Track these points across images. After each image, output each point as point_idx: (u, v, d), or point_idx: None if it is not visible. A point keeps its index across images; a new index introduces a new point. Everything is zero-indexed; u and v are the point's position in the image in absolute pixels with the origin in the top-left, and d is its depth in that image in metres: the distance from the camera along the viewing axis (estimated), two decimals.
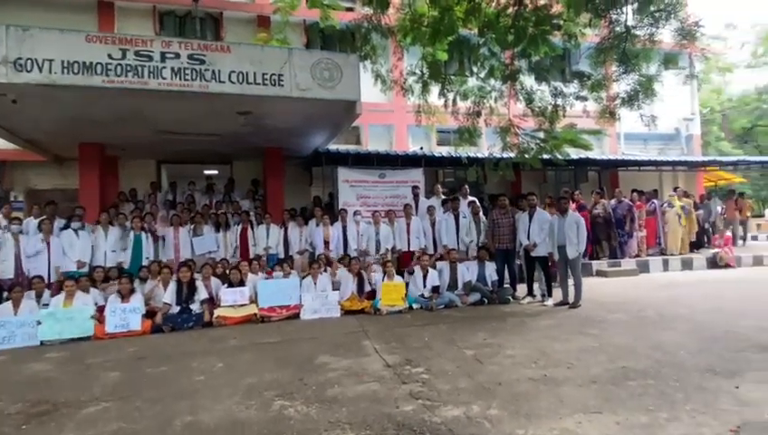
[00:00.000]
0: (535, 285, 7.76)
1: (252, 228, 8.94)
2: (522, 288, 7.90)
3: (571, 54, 10.15)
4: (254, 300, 6.65)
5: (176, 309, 6.45)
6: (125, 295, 6.23)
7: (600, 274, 10.07)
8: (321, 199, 10.95)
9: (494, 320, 6.22)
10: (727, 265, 10.56)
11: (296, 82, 7.21)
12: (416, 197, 9.37)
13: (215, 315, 6.34)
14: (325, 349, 4.97)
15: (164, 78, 6.63)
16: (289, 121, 8.41)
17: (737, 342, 4.87)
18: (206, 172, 12.40)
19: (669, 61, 8.03)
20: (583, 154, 10.94)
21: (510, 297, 7.52)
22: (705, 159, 14.71)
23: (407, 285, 7.27)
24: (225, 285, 6.77)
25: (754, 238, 15.76)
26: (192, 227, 8.73)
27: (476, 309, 7.07)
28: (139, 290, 6.58)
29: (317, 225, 8.79)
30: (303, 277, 7.18)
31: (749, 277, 9.38)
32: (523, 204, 8.00)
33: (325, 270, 7.46)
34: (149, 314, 6.35)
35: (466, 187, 9.63)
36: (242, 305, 6.51)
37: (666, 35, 7.81)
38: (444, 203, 9.16)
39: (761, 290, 7.24)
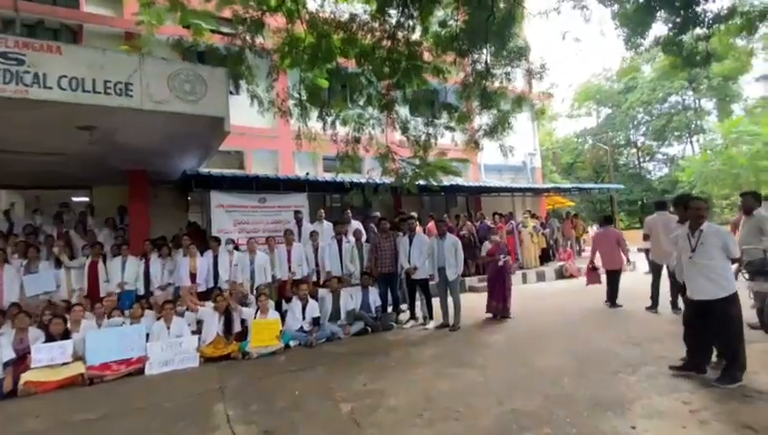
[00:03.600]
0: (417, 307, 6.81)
1: (104, 262, 6.77)
2: (405, 311, 6.90)
3: (439, 89, 9.83)
4: (81, 356, 4.63)
5: None
6: None
7: (473, 289, 9.57)
8: (198, 226, 9.00)
9: (378, 355, 5.03)
10: (571, 276, 10.84)
11: (149, 93, 5.45)
12: (299, 222, 7.97)
13: (21, 381, 4.22)
14: (158, 424, 3.31)
15: None
16: (148, 139, 6.52)
17: (609, 360, 4.30)
18: (75, 199, 9.64)
19: (519, 102, 7.98)
20: (453, 181, 10.60)
21: (393, 323, 6.45)
22: (549, 186, 15.64)
23: (284, 318, 5.81)
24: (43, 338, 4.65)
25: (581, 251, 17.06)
26: (25, 262, 6.31)
27: (360, 340, 5.85)
28: None
29: (184, 255, 6.93)
30: (158, 319, 5.30)
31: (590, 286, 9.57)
32: (403, 227, 7.09)
33: (188, 309, 5.68)
34: None
35: (349, 212, 8.51)
36: (64, 365, 4.46)
37: (518, 76, 7.80)
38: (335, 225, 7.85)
39: (604, 298, 7.20)
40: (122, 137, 6.40)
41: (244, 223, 7.93)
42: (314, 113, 7.79)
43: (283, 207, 8.32)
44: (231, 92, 10.34)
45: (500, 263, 6.60)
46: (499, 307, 6.50)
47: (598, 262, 7.38)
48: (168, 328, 5.13)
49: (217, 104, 5.90)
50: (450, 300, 6.28)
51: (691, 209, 3.87)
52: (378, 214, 9.39)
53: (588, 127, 31.71)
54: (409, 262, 6.49)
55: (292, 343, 5.54)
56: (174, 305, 5.29)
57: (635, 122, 31.34)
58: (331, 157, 10.92)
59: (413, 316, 6.66)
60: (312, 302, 6.00)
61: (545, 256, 11.74)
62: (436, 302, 6.50)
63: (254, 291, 6.42)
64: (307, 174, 10.68)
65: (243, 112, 10.43)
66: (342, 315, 6.22)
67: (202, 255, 7.04)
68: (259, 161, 11.05)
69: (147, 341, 4.96)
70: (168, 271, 6.98)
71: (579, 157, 29.57)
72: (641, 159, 32.58)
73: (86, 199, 9.69)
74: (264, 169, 10.96)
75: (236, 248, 7.27)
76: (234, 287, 6.63)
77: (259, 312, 5.54)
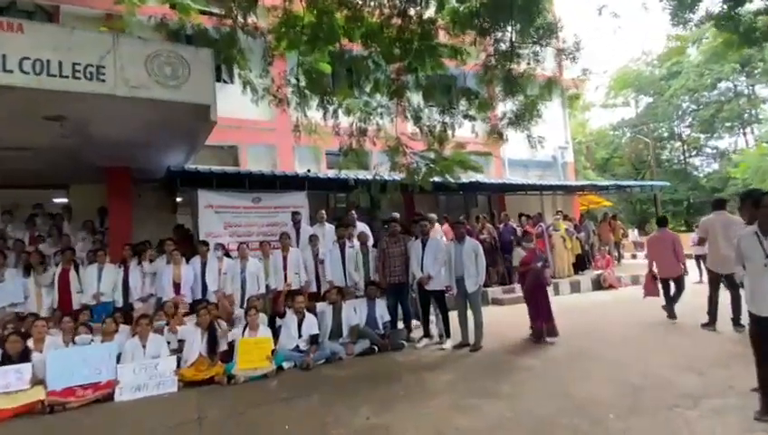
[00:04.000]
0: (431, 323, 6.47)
1: (77, 270, 6.60)
2: (417, 329, 6.57)
3: (457, 74, 9.52)
4: (42, 379, 4.40)
5: None
6: None
7: (496, 302, 9.19)
8: (187, 230, 8.79)
9: (384, 380, 4.70)
10: (611, 286, 10.35)
11: (124, 78, 5.24)
12: (296, 224, 7.69)
13: None
14: None
15: None
16: (125, 131, 6.32)
17: (663, 390, 3.90)
18: (56, 200, 9.56)
19: (549, 86, 7.63)
20: (473, 177, 10.25)
21: (404, 341, 6.11)
22: (584, 183, 15.09)
23: (277, 335, 5.53)
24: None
25: (621, 257, 16.48)
26: None
27: (364, 361, 5.53)
28: None
29: (167, 262, 6.72)
30: (133, 336, 5.06)
31: (634, 298, 9.09)
32: (415, 230, 6.75)
33: (167, 324, 5.44)
34: None
35: (353, 212, 8.21)
36: (20, 391, 4.24)
37: (548, 57, 7.43)
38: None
39: (654, 315, 6.75)
40: (97, 128, 6.21)
41: (235, 226, 7.69)
42: (315, 102, 7.57)
43: (279, 208, 8.06)
44: (224, 81, 10.41)
45: (543, 277, 6.17)
46: (546, 328, 5.94)
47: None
48: (144, 347, 4.88)
49: (202, 90, 5.67)
50: (470, 315, 5.93)
51: (764, 208, 3.47)
52: (396, 215, 9.05)
53: (626, 118, 30.89)
54: (422, 270, 6.15)
55: (285, 365, 5.25)
56: (150, 320, 5.04)
57: (679, 112, 30.41)
58: (334, 152, 10.66)
59: (427, 334, 6.31)
60: (309, 317, 5.71)
61: (580, 264, 11.28)
62: (453, 316, 6.15)
63: (245, 303, 6.15)
64: (308, 171, 10.43)
65: (236, 103, 10.28)
66: (345, 332, 5.91)
67: (188, 262, 6.84)
68: (255, 157, 10.84)
69: (119, 361, 4.72)
70: (149, 280, 6.78)
71: (615, 151, 28.82)
72: (687, 154, 31.64)
73: (64, 200, 9.58)
74: (261, 165, 10.74)
75: (227, 255, 7.05)
76: (225, 299, 6.42)
77: (248, 329, 5.26)
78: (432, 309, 6.37)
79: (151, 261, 6.88)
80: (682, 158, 31.80)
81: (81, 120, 5.84)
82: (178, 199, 9.72)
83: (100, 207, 8.92)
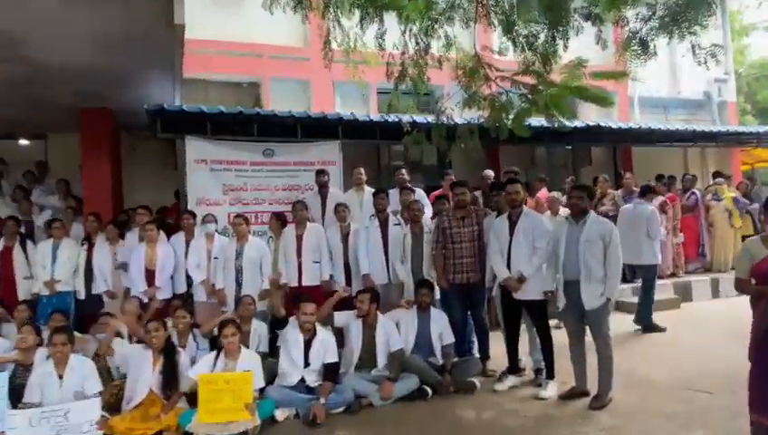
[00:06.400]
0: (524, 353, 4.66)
1: (24, 247, 5.60)
2: (498, 355, 4.79)
3: None
4: None
5: None
6: None
7: (621, 307, 7.09)
8: None
9: None
10: None
11: None
12: (323, 188, 6.12)
13: None
14: None
15: None
16: (75, 54, 5.13)
17: None
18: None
19: None
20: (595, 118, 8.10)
21: (475, 381, 4.39)
22: (757, 128, 12.02)
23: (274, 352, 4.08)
24: None
25: None
26: None
27: (410, 412, 3.93)
28: None
29: (140, 240, 5.50)
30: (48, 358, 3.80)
31: None
32: (499, 200, 4.87)
33: (120, 335, 4.18)
34: None
35: (403, 171, 6.48)
36: None
37: None
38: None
39: None
40: (37, 50, 5.06)
41: (238, 189, 6.28)
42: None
43: (301, 165, 6.56)
44: None
45: None
46: None
47: None
48: (61, 377, 3.61)
49: None
50: (591, 342, 4.05)
51: None
52: (490, 173, 7.24)
53: None
54: (510, 267, 4.31)
55: (279, 415, 3.77)
56: (70, 337, 3.73)
57: None
58: (390, 89, 8.95)
59: (514, 368, 4.50)
60: (323, 335, 4.16)
61: None
62: (560, 343, 4.32)
63: (237, 306, 4.76)
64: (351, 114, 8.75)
65: (256, 23, 8.86)
66: (380, 360, 4.30)
67: (169, 239, 5.61)
68: (283, 95, 9.33)
69: (18, 400, 3.51)
70: (121, 264, 5.65)
71: None
72: None
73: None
74: (292, 107, 9.25)
75: (222, 233, 5.76)
76: (218, 294, 5.14)
77: (221, 356, 3.82)
78: (525, 328, 4.55)
79: (122, 239, 5.74)
80: None
81: (13, 40, 4.67)
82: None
83: (39, 161, 8.03)
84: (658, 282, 7.68)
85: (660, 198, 7.98)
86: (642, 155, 11.10)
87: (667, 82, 12.91)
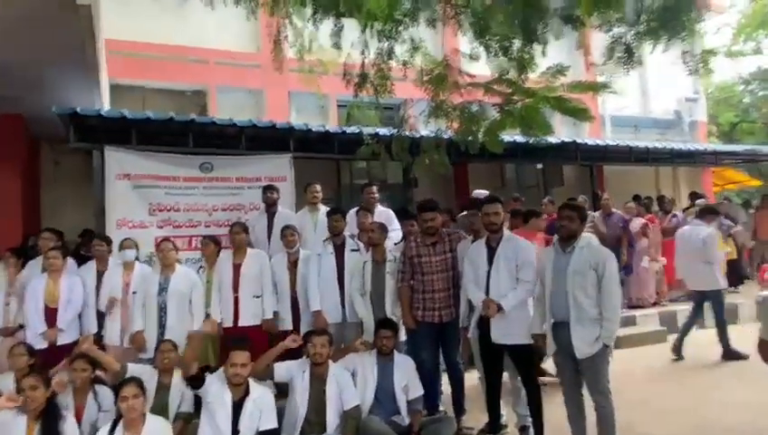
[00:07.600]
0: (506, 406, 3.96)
1: None
2: (475, 408, 4.08)
3: None
4: None
5: None
6: None
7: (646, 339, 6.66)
8: None
9: None
10: None
11: None
12: (271, 207, 5.35)
13: None
14: None
15: None
16: None
17: None
18: None
19: None
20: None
21: None
22: (736, 147, 11.95)
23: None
24: None
25: None
26: None
27: None
28: None
29: (43, 271, 4.59)
30: None
31: None
32: (475, 222, 4.23)
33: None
34: None
35: (373, 189, 5.77)
36: None
37: None
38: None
39: None
40: None
41: (168, 209, 5.43)
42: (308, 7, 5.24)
43: (245, 181, 5.78)
44: None
45: None
46: None
47: None
48: None
49: None
50: (586, 400, 3.40)
51: None
52: (482, 193, 6.39)
53: (762, 68, 26.64)
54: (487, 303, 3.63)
55: None
56: None
57: None
58: (346, 102, 8.32)
59: (495, 426, 3.79)
60: (258, 392, 3.35)
61: (734, 275, 8.39)
62: (551, 399, 3.64)
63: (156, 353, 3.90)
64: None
65: (203, 26, 8.24)
66: (331, 422, 3.51)
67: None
68: (231, 107, 8.51)
69: None
70: (15, 301, 4.70)
71: (746, 113, 24.86)
72: None
73: None
74: (240, 118, 8.49)
75: (147, 261, 4.91)
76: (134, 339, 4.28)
77: (119, 427, 2.96)
78: (507, 377, 3.87)
79: (22, 270, 4.81)
80: None
81: None
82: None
83: None
84: (641, 312, 7.22)
85: (641, 220, 7.63)
86: (614, 175, 10.89)
87: (638, 101, 12.85)
